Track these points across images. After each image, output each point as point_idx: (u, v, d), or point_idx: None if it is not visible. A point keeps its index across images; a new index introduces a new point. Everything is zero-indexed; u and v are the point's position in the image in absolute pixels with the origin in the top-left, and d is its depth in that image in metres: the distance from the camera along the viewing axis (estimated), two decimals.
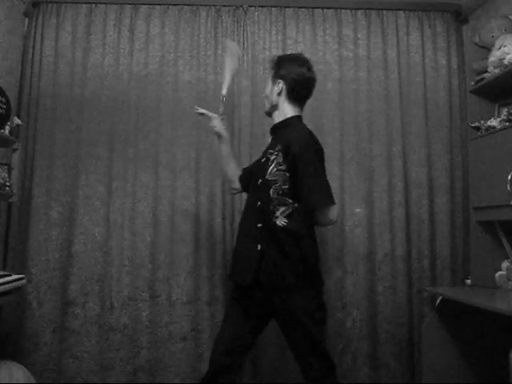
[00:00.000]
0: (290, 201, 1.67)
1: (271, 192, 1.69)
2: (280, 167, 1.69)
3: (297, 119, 1.80)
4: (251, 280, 1.67)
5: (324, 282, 1.75)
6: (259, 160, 1.87)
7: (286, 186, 1.67)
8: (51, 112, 2.55)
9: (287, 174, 1.67)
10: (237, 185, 2.01)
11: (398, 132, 2.61)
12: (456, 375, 2.25)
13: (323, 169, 1.70)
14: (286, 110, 1.80)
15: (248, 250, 1.72)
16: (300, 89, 1.80)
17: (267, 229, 1.68)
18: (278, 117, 1.81)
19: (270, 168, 1.71)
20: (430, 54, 2.67)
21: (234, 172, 2.02)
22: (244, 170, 2.03)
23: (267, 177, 1.71)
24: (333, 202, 1.67)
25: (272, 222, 1.67)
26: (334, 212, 1.69)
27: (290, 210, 1.67)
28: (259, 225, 1.70)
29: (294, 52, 2.60)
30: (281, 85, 1.78)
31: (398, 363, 2.47)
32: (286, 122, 1.79)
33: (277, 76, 1.79)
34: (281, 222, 1.66)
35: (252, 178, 1.85)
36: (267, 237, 1.68)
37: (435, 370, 2.24)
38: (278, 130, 1.82)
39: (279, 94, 1.79)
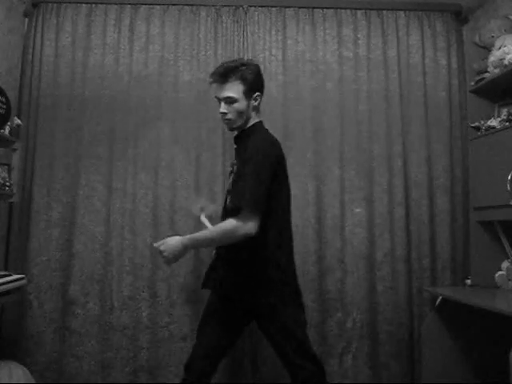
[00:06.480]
0: None
1: (228, 201, 1.71)
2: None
3: (260, 124, 1.75)
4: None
5: (289, 281, 1.70)
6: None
7: None
8: (51, 112, 2.55)
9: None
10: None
11: (397, 132, 2.60)
12: (456, 375, 2.25)
13: (268, 176, 1.56)
14: (254, 120, 1.73)
15: None
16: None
17: None
18: (243, 127, 1.73)
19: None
20: (430, 53, 2.67)
21: None
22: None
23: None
24: (256, 210, 1.51)
25: None
26: (252, 223, 1.50)
27: None
28: None
29: (294, 53, 2.62)
30: (258, 98, 1.70)
31: (397, 363, 2.47)
32: (251, 129, 1.72)
33: (253, 90, 1.67)
34: None
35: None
36: None
37: (435, 370, 2.24)
38: (242, 138, 1.74)
39: (255, 107, 1.71)
